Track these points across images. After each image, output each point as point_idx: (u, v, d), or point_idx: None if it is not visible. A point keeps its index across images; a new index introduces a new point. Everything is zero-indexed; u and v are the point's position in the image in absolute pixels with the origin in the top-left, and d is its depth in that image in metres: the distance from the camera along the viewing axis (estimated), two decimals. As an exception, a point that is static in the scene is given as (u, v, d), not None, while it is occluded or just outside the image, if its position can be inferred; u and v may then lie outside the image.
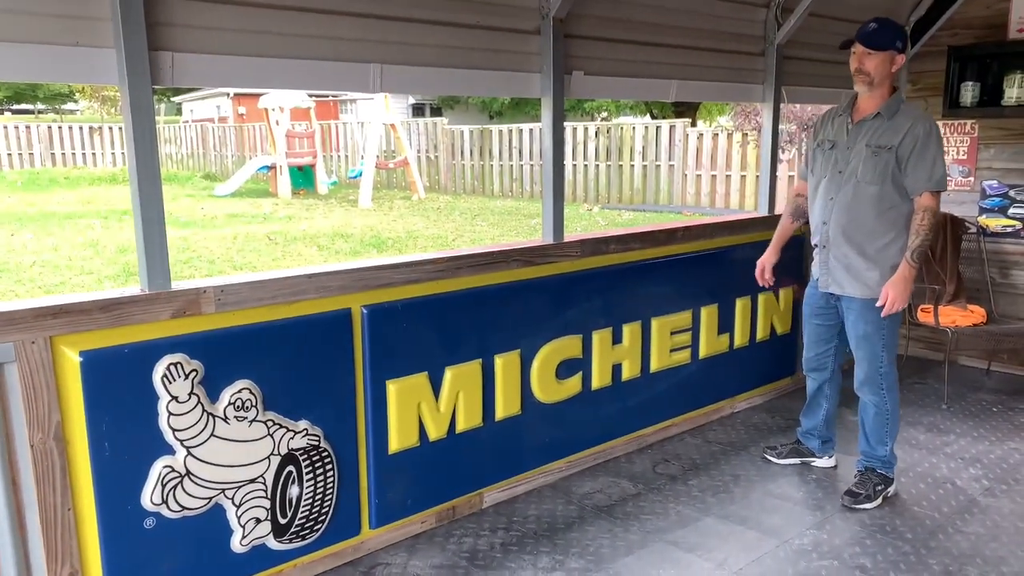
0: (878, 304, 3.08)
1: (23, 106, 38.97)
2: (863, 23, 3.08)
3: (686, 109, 21.20)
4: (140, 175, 2.28)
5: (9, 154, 22.16)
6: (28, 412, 2.13)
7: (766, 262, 3.62)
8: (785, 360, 4.53)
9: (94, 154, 23.75)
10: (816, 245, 3.34)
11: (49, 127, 23.74)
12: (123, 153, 22.32)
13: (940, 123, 4.99)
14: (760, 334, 4.28)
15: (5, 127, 22.55)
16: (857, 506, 3.23)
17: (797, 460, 3.65)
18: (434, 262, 2.97)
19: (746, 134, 13.94)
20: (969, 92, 4.79)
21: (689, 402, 4.03)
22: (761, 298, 4.23)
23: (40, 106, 39.09)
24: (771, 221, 4.30)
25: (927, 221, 3.03)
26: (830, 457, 3.62)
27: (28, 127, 23.10)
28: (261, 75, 2.51)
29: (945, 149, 4.94)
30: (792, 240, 3.67)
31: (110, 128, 24.13)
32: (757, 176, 12.42)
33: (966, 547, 2.95)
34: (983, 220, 4.89)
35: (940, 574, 2.77)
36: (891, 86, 3.16)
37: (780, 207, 4.70)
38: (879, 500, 3.26)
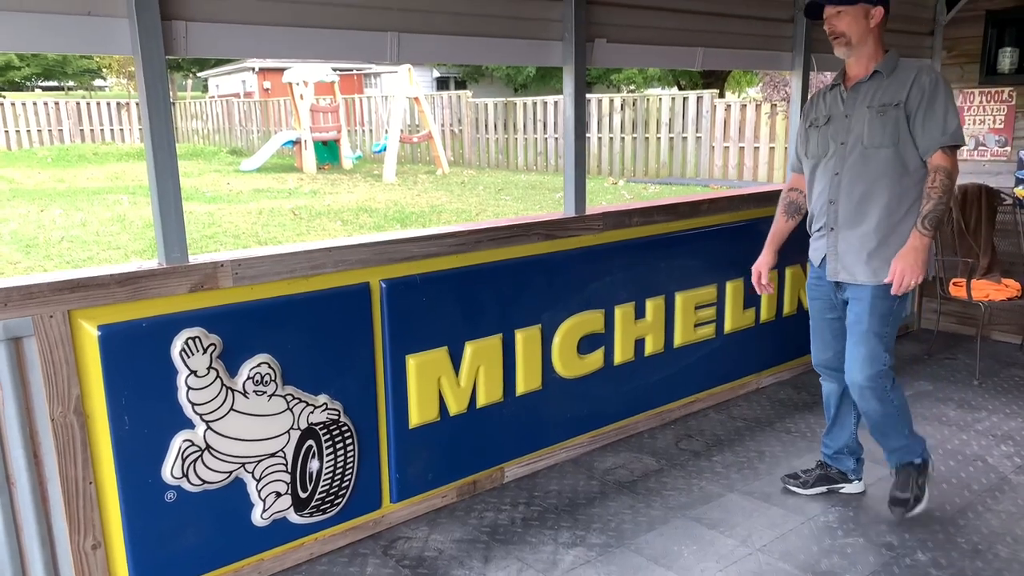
0: (886, 281, 2.65)
1: (52, 83, 39.34)
2: None
3: (714, 80, 20.87)
4: (155, 147, 2.25)
5: (39, 130, 22.37)
6: (48, 386, 2.14)
7: (762, 267, 3.13)
8: (812, 335, 4.45)
9: (122, 130, 23.92)
10: (818, 230, 2.90)
11: (78, 103, 23.91)
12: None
13: (976, 91, 4.85)
14: (787, 308, 4.21)
15: (35, 104, 22.76)
16: (911, 513, 2.87)
17: (825, 488, 3.13)
18: (454, 235, 2.93)
19: (775, 105, 13.66)
20: (1007, 58, 4.64)
21: (713, 377, 3.98)
22: (788, 272, 4.15)
23: (69, 83, 39.43)
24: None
25: (939, 183, 2.60)
26: (860, 481, 3.15)
27: (57, 103, 23.28)
28: (275, 45, 2.46)
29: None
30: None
31: (137, 104, 24.25)
32: (786, 148, 12.22)
33: (996, 525, 2.89)
34: (1019, 191, 4.75)
35: (969, 552, 2.72)
36: (880, 44, 2.75)
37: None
38: (926, 495, 2.89)
